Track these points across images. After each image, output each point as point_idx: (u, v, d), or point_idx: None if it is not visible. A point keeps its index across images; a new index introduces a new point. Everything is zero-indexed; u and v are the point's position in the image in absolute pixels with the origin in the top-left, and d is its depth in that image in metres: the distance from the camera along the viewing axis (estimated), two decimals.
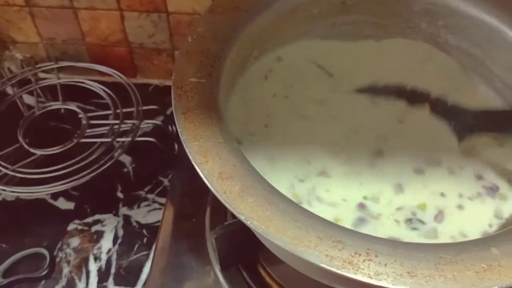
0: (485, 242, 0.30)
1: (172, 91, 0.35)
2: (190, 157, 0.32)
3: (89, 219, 0.60)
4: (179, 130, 0.33)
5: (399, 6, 0.47)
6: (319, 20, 0.47)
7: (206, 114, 0.34)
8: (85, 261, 0.57)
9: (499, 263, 0.28)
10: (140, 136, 0.65)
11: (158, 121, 0.67)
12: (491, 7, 0.44)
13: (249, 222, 0.29)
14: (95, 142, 0.62)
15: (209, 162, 0.32)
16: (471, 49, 0.46)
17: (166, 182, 0.63)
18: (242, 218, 0.29)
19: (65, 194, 0.62)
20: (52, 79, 0.70)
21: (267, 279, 0.46)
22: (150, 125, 0.66)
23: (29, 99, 0.69)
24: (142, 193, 0.63)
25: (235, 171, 0.32)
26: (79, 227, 0.60)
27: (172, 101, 0.35)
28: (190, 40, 0.39)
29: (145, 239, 0.58)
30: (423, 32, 0.48)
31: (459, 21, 0.45)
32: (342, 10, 0.47)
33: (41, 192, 0.59)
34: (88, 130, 0.64)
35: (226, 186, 0.31)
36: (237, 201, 0.30)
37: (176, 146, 0.66)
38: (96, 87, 0.69)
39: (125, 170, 0.65)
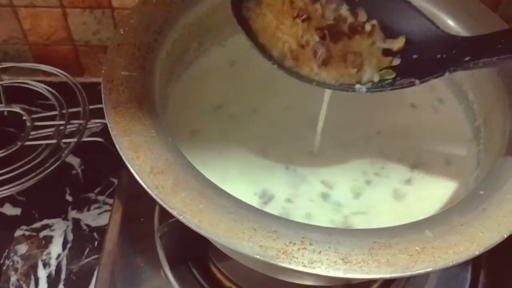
0: (419, 224, 0.30)
1: (102, 85, 0.34)
2: (121, 153, 0.31)
3: (37, 224, 0.58)
4: (109, 125, 0.32)
5: None
6: None
7: (138, 108, 0.33)
8: (34, 268, 0.55)
9: (433, 245, 0.28)
10: (89, 136, 0.63)
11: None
12: None
13: (181, 217, 0.28)
14: (41, 144, 0.60)
15: (141, 157, 0.31)
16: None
17: (116, 183, 0.62)
18: (174, 213, 0.29)
19: (10, 199, 0.59)
20: None
21: (218, 275, 0.46)
22: (99, 124, 0.65)
23: None
24: (92, 195, 0.61)
25: (168, 166, 0.31)
26: (27, 233, 0.57)
27: (102, 95, 0.33)
28: (122, 32, 0.38)
29: (96, 243, 0.57)
30: None
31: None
32: None
33: None
34: (32, 132, 0.62)
35: (158, 181, 0.30)
36: (169, 196, 0.29)
37: None
38: (41, 88, 0.67)
39: (74, 172, 0.63)
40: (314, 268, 0.27)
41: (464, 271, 0.49)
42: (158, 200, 0.29)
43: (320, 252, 0.27)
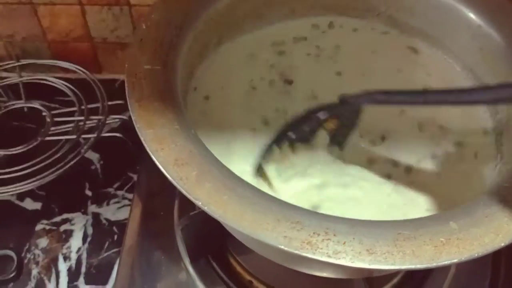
0: (443, 217, 0.30)
1: (125, 79, 0.34)
2: (145, 145, 0.31)
3: (57, 219, 0.59)
4: (133, 119, 0.32)
5: None
6: (277, 8, 0.46)
7: (161, 102, 0.33)
8: (54, 261, 0.56)
9: (458, 236, 0.28)
10: (107, 132, 0.63)
11: (125, 116, 0.66)
12: None
13: (206, 208, 0.29)
14: (60, 140, 0.61)
15: (165, 149, 0.31)
16: (431, 30, 0.46)
17: (135, 178, 0.62)
18: (199, 204, 0.29)
19: (31, 194, 0.60)
20: (14, 78, 0.68)
21: (238, 268, 0.46)
22: (117, 120, 0.65)
23: None
24: (111, 190, 0.61)
25: (192, 157, 0.31)
26: (47, 227, 0.58)
27: (126, 89, 0.34)
28: (144, 27, 0.38)
29: (115, 237, 0.57)
30: (382, 15, 0.47)
31: (417, 3, 0.45)
32: None
33: (6, 193, 0.57)
34: (52, 128, 0.63)
35: (182, 172, 0.30)
36: (194, 187, 0.30)
37: None
38: (60, 84, 0.67)
39: (93, 167, 0.64)
40: (339, 258, 0.27)
41: (484, 267, 0.49)
42: (182, 191, 0.29)
43: (344, 243, 0.27)
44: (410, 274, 0.46)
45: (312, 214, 0.29)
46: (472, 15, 0.43)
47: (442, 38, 0.46)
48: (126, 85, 0.34)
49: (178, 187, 0.29)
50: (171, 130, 0.32)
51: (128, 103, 0.33)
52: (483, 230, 0.28)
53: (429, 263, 0.27)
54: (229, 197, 0.29)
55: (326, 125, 0.40)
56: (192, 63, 0.41)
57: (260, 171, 0.38)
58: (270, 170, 0.38)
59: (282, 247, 0.27)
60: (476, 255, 0.27)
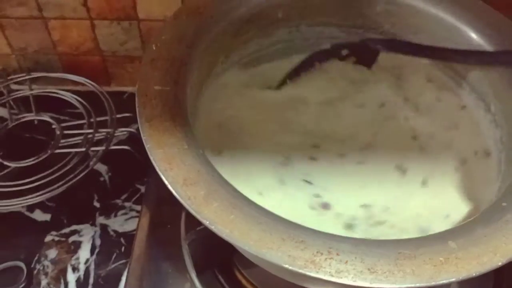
0: (443, 236, 0.31)
1: (136, 99, 0.36)
2: (155, 165, 0.32)
3: (66, 230, 0.60)
4: (143, 139, 0.33)
5: (361, 8, 0.47)
6: (283, 24, 0.48)
7: (171, 121, 0.35)
8: (63, 272, 0.57)
9: (456, 255, 0.29)
10: (115, 144, 0.65)
11: (133, 128, 0.67)
12: (449, 5, 0.45)
13: (213, 227, 0.30)
14: (70, 152, 0.62)
15: (174, 169, 0.32)
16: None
17: (143, 189, 0.63)
18: (206, 223, 0.30)
19: (41, 205, 0.61)
20: (25, 90, 0.69)
21: (243, 281, 0.47)
22: (125, 133, 0.66)
23: (1, 111, 0.69)
24: (119, 201, 0.63)
25: (200, 177, 0.32)
26: (56, 238, 0.59)
27: (137, 109, 0.35)
28: (154, 47, 0.39)
29: (123, 248, 0.58)
30: (385, 33, 0.48)
31: (420, 20, 0.46)
32: (306, 13, 0.48)
33: (17, 204, 0.58)
34: (62, 141, 0.64)
35: (190, 192, 0.31)
36: (201, 206, 0.31)
37: None
38: (69, 97, 0.69)
39: (101, 179, 0.65)
40: (341, 278, 0.28)
41: (487, 277, 0.49)
42: (191, 210, 0.30)
43: (346, 262, 0.28)
44: None
45: (317, 233, 0.30)
46: (472, 34, 0.44)
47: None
48: (137, 105, 0.35)
49: (187, 206, 0.30)
50: (180, 149, 0.33)
51: (139, 123, 0.34)
52: (481, 249, 0.29)
53: (429, 282, 0.28)
54: (235, 216, 0.30)
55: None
56: (201, 82, 0.42)
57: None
58: None
59: (287, 266, 0.28)
60: (474, 274, 0.28)
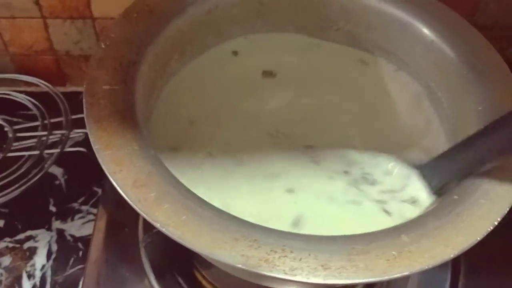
0: (395, 230, 0.31)
1: (83, 100, 0.34)
2: (103, 167, 0.31)
3: (21, 236, 0.58)
4: (91, 140, 0.32)
5: (316, 7, 0.47)
6: (238, 23, 0.47)
7: (120, 122, 0.34)
8: (18, 279, 0.55)
9: (409, 249, 0.29)
10: (71, 146, 0.63)
11: None
12: (404, 3, 0.45)
13: (164, 229, 0.29)
14: (23, 156, 0.60)
15: (123, 171, 0.31)
16: (388, 46, 0.48)
17: (100, 192, 0.62)
18: (157, 225, 0.29)
19: None
20: None
21: (204, 282, 0.47)
22: (81, 134, 0.65)
23: None
24: (75, 205, 0.61)
25: (150, 178, 0.31)
26: (10, 245, 0.57)
27: (84, 110, 0.34)
28: (103, 46, 0.38)
29: (80, 253, 0.57)
30: (341, 30, 0.49)
31: (374, 18, 0.46)
32: (261, 12, 0.47)
33: None
34: (14, 144, 0.62)
35: (141, 194, 0.30)
36: (152, 208, 0.30)
37: None
38: (23, 99, 0.66)
39: (57, 182, 0.63)
40: (295, 275, 0.28)
41: (444, 270, 0.50)
42: (141, 213, 0.30)
43: (300, 259, 0.28)
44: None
45: (271, 232, 0.30)
46: (426, 31, 0.44)
47: (398, 52, 0.47)
48: (84, 105, 0.34)
49: (137, 209, 0.30)
50: (130, 150, 0.32)
51: (86, 124, 0.33)
52: (433, 242, 0.30)
53: (382, 276, 0.28)
54: (187, 217, 0.30)
55: None
56: (153, 81, 0.41)
57: None
58: None
59: (240, 265, 0.28)
60: (427, 267, 0.29)
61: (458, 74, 0.42)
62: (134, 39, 0.40)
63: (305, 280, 0.27)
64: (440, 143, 0.42)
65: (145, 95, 0.39)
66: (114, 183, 0.30)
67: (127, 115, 0.34)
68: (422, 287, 0.49)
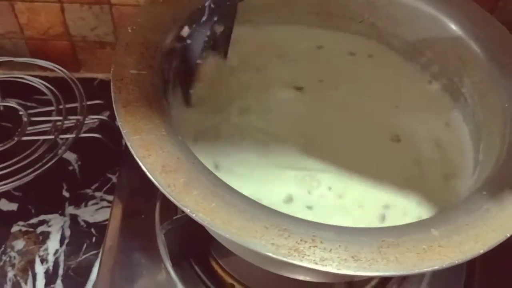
0: (425, 224, 0.31)
1: (111, 84, 0.34)
2: (132, 151, 0.31)
3: (34, 220, 0.58)
4: (119, 124, 0.32)
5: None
6: (262, 11, 0.47)
7: (148, 107, 0.33)
8: (31, 263, 0.55)
9: (439, 243, 0.29)
10: (85, 132, 0.63)
11: (104, 116, 0.65)
12: None
13: (194, 215, 0.29)
14: (38, 140, 0.60)
15: (152, 156, 0.31)
16: (413, 40, 0.47)
17: (114, 179, 0.62)
18: (187, 211, 0.29)
19: (7, 195, 0.59)
20: None
21: (219, 271, 0.46)
22: (96, 120, 0.64)
23: None
24: (89, 191, 0.61)
25: (179, 164, 0.31)
26: (24, 229, 0.57)
27: (112, 94, 0.34)
28: (130, 30, 0.38)
29: (93, 239, 0.57)
30: (365, 22, 0.48)
31: (400, 12, 0.46)
32: (286, 1, 0.47)
33: None
34: (29, 128, 0.62)
35: (170, 179, 0.30)
36: (181, 194, 0.30)
37: (123, 142, 0.64)
38: (37, 83, 0.66)
39: (71, 168, 0.63)
40: (326, 266, 0.27)
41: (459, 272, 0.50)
42: (170, 198, 0.29)
43: (331, 250, 0.28)
44: (388, 278, 0.47)
45: (300, 221, 0.30)
46: (452, 25, 0.44)
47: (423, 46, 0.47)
48: (112, 89, 0.34)
49: (166, 194, 0.29)
50: (158, 136, 0.32)
51: (114, 108, 0.33)
52: (463, 237, 0.29)
53: (412, 270, 0.28)
54: (217, 204, 0.29)
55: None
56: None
57: None
58: None
59: (270, 254, 0.27)
60: (457, 261, 0.28)
61: (484, 70, 0.42)
62: (160, 24, 0.39)
63: (335, 271, 0.27)
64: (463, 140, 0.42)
65: (169, 81, 0.38)
66: (144, 168, 0.30)
67: (154, 100, 0.34)
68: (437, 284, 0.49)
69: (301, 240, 0.28)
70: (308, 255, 0.28)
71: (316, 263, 0.27)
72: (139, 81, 0.35)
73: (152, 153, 0.31)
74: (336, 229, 0.29)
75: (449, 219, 0.31)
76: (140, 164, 0.31)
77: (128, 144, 0.31)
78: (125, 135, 0.32)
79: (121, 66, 0.35)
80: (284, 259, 0.27)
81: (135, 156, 0.31)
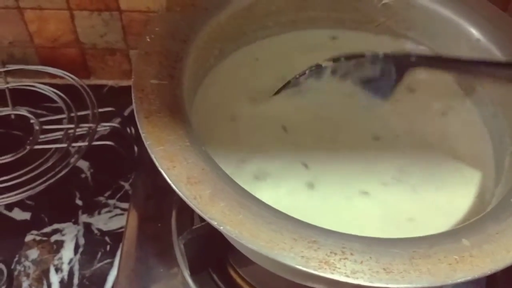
0: (456, 233, 0.30)
1: (132, 94, 0.34)
2: (156, 163, 0.31)
3: (48, 229, 0.58)
4: (142, 136, 0.32)
5: (357, 1, 0.47)
6: (277, 17, 0.46)
7: (170, 117, 0.33)
8: (46, 273, 0.54)
9: (470, 253, 0.28)
10: (97, 139, 0.62)
11: (115, 123, 0.65)
12: (447, 1, 0.44)
13: (222, 228, 0.28)
14: (50, 148, 0.60)
15: (177, 167, 0.31)
16: (430, 43, 0.47)
17: (127, 186, 0.61)
18: (214, 223, 0.29)
19: (20, 204, 0.59)
20: (0, 84, 0.66)
21: (238, 280, 0.46)
22: (107, 128, 0.64)
23: None
24: (102, 199, 0.60)
25: (204, 175, 0.31)
26: (37, 238, 0.57)
27: (134, 105, 0.33)
28: (148, 40, 0.37)
29: (108, 247, 0.56)
30: (381, 26, 0.48)
31: (416, 15, 0.46)
32: (300, 6, 0.46)
33: None
34: (41, 136, 0.61)
35: (195, 191, 0.30)
36: (208, 206, 0.29)
37: (136, 149, 0.64)
38: (48, 91, 0.66)
39: (83, 176, 0.62)
40: (357, 278, 0.27)
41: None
42: (197, 210, 0.29)
43: (361, 262, 0.28)
44: None
45: (328, 233, 0.29)
46: (472, 29, 0.43)
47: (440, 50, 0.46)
48: (133, 100, 0.33)
49: (193, 206, 0.29)
50: (182, 146, 0.32)
51: (137, 119, 0.33)
52: (494, 246, 0.29)
53: (445, 281, 0.27)
54: (244, 216, 0.29)
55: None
56: (196, 75, 0.41)
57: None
58: None
59: (300, 267, 0.27)
60: (489, 272, 0.28)
61: (504, 74, 0.41)
62: (178, 33, 0.39)
63: (367, 283, 0.27)
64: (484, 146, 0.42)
65: (190, 90, 0.38)
66: (168, 180, 0.30)
67: (176, 110, 0.34)
68: None
69: (331, 252, 0.28)
70: (339, 268, 0.27)
71: (348, 276, 0.27)
72: (160, 91, 0.35)
73: (177, 165, 0.31)
74: (366, 240, 0.29)
75: (479, 228, 0.30)
76: (165, 176, 0.30)
77: (152, 156, 0.31)
78: (148, 146, 0.31)
79: (141, 76, 0.35)
80: (315, 272, 0.27)
81: (159, 168, 0.30)
